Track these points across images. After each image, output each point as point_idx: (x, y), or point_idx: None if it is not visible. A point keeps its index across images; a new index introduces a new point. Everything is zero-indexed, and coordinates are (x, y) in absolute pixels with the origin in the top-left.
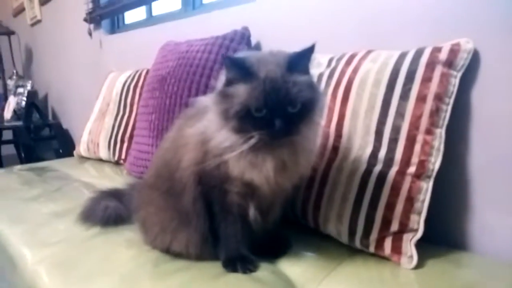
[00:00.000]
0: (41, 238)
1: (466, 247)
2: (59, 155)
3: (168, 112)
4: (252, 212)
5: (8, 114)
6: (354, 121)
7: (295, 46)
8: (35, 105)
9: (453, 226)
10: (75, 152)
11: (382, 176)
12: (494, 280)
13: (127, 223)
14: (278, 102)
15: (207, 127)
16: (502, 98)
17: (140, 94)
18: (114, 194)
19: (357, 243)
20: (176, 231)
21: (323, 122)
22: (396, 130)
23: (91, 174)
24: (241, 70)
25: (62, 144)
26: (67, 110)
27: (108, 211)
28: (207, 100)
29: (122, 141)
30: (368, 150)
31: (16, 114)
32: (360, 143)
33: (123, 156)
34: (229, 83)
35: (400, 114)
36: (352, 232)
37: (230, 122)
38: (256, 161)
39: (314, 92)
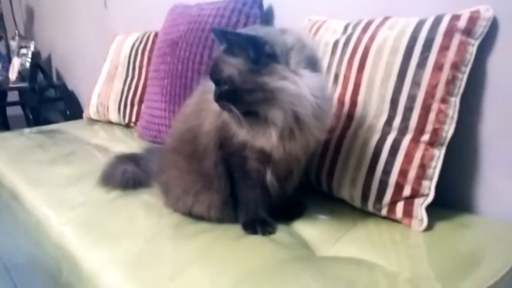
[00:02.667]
0: (64, 201)
1: (473, 210)
2: (66, 117)
3: (181, 78)
4: (269, 177)
5: (13, 75)
6: (370, 90)
7: (308, 9)
8: (40, 66)
9: (462, 190)
10: (84, 115)
11: (396, 144)
12: (499, 241)
13: (144, 187)
14: (214, 76)
15: None
16: None
17: (149, 58)
18: (131, 159)
19: (370, 207)
20: (198, 193)
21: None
22: (411, 99)
23: (102, 136)
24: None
25: (69, 105)
26: (71, 72)
27: (126, 175)
28: None
29: (132, 105)
30: (383, 118)
31: (21, 75)
32: (375, 111)
33: (133, 119)
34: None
35: (416, 83)
36: (365, 197)
37: None
38: (260, 130)
39: (245, 74)
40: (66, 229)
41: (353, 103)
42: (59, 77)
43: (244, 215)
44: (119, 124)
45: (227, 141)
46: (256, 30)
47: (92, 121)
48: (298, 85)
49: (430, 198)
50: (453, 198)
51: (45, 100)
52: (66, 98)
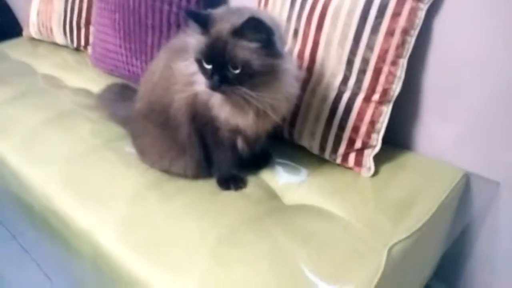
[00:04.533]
0: (39, 155)
1: (412, 148)
2: None
3: (134, 14)
4: (240, 144)
5: None
6: (328, 49)
7: None
8: None
9: (404, 131)
10: (24, 33)
11: (351, 102)
12: (432, 181)
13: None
14: (218, 60)
15: (192, 68)
16: (462, 28)
17: None
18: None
19: (326, 156)
20: (173, 159)
21: (296, 71)
22: (365, 62)
23: (52, 63)
24: (199, 24)
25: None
26: None
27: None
28: (189, 39)
29: (79, 27)
30: (339, 77)
31: None
32: (333, 70)
33: (82, 43)
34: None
35: (369, 47)
36: (322, 148)
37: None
38: (237, 110)
39: (262, 57)
40: (50, 187)
41: (312, 60)
42: None
43: (218, 173)
44: (66, 47)
45: (199, 114)
46: (253, 12)
47: (35, 41)
48: (296, 69)
49: (377, 149)
50: (396, 137)
51: None
52: None
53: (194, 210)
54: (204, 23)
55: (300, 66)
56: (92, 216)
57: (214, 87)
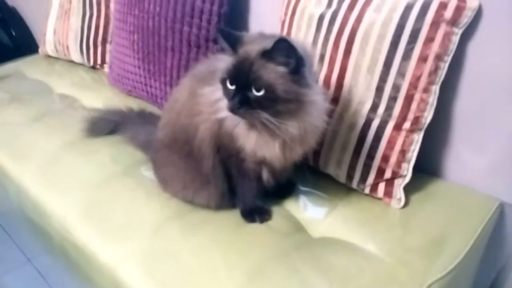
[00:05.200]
0: (58, 181)
1: (442, 176)
2: (13, 39)
3: (153, 35)
4: (265, 175)
5: None
6: (356, 75)
7: None
8: None
9: (434, 158)
10: (40, 51)
11: (380, 131)
12: (464, 212)
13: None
14: (242, 80)
15: (217, 94)
16: (497, 53)
17: None
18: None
19: (354, 185)
20: (197, 189)
21: (325, 103)
22: (396, 89)
23: (69, 82)
24: (229, 43)
25: (14, 25)
26: None
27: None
28: (216, 63)
29: (96, 45)
30: (368, 104)
31: None
32: (361, 97)
33: (99, 61)
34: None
35: (401, 74)
36: (350, 177)
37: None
38: (263, 140)
39: (288, 83)
40: (69, 216)
41: (339, 85)
42: None
43: (242, 205)
44: (83, 65)
45: (224, 146)
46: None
47: (51, 59)
48: (325, 101)
49: (407, 178)
50: (425, 164)
51: None
52: (9, 17)
53: (219, 244)
54: (234, 43)
55: (326, 93)
56: (114, 250)
57: (233, 109)
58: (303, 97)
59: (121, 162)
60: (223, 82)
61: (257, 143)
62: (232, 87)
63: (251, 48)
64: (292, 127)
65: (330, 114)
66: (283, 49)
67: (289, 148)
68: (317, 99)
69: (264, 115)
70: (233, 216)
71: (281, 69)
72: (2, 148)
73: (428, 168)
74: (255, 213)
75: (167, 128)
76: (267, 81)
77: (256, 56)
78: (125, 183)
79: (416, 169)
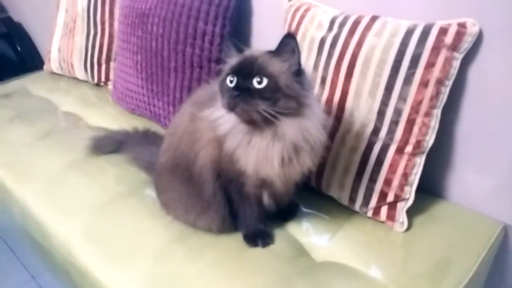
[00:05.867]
0: (62, 203)
1: (444, 196)
2: (18, 53)
3: (156, 56)
4: (266, 199)
5: None
6: (357, 99)
7: None
8: None
9: (436, 179)
10: (45, 68)
11: (382, 154)
12: (468, 235)
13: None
14: (246, 70)
15: (217, 113)
16: (498, 76)
17: (111, 11)
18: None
19: (356, 208)
20: (198, 214)
21: (323, 115)
22: (397, 113)
23: (74, 100)
24: (236, 48)
25: (19, 40)
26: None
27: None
28: (216, 87)
29: (100, 64)
30: (370, 128)
31: None
32: (363, 120)
33: (103, 79)
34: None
35: (402, 98)
36: (352, 200)
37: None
38: (262, 155)
39: (290, 79)
40: (73, 239)
41: (341, 108)
42: (1, 9)
43: (244, 229)
44: (87, 82)
45: (225, 171)
46: None
47: (55, 75)
48: (323, 112)
49: (410, 202)
50: (428, 185)
51: None
52: (14, 32)
53: (223, 269)
54: (241, 49)
55: (328, 113)
56: (117, 274)
57: (230, 102)
58: (302, 98)
59: (125, 183)
60: (223, 80)
61: (257, 161)
62: (234, 80)
63: (257, 50)
64: (290, 126)
65: (329, 130)
66: (289, 44)
67: (288, 164)
68: (316, 104)
69: (263, 106)
70: (236, 240)
71: (285, 65)
72: (6, 167)
73: (431, 189)
74: (258, 237)
75: (169, 153)
76: (271, 72)
77: (262, 53)
78: (129, 204)
79: (419, 189)
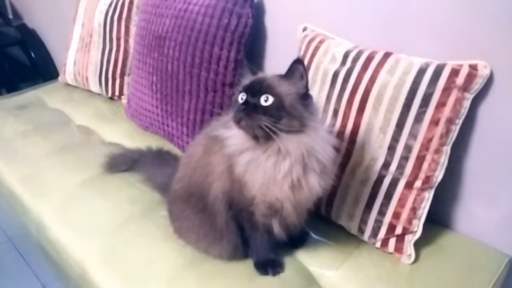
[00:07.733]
0: (77, 222)
1: (451, 227)
2: (32, 60)
3: (172, 78)
4: (276, 228)
5: None
6: (369, 133)
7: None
8: None
9: (443, 211)
10: (60, 79)
11: (392, 188)
12: (479, 269)
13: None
14: (255, 88)
15: (228, 137)
16: (508, 115)
17: (126, 28)
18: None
19: (365, 238)
20: (210, 243)
21: (329, 135)
22: (408, 149)
23: (89, 114)
24: (251, 72)
25: (33, 47)
26: (29, 10)
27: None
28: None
29: (114, 78)
30: (380, 161)
31: None
32: (373, 153)
33: (116, 93)
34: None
35: (413, 135)
36: (361, 230)
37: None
38: (269, 175)
39: (296, 100)
40: (88, 259)
41: (352, 141)
42: (16, 16)
43: (255, 257)
44: (100, 95)
45: (235, 200)
46: None
47: (70, 87)
48: (330, 135)
49: (418, 234)
50: (435, 216)
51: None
52: (29, 39)
53: None
54: (255, 72)
55: (339, 145)
56: None
57: (237, 115)
58: (305, 120)
59: (139, 203)
60: (236, 96)
61: (263, 181)
62: (243, 99)
63: (269, 73)
64: (290, 142)
65: (340, 150)
66: (297, 69)
67: (297, 187)
68: (319, 126)
69: (266, 122)
70: (247, 267)
71: (293, 88)
72: (23, 182)
73: (438, 220)
74: (268, 265)
75: (183, 182)
76: (278, 91)
77: (272, 76)
78: (142, 226)
79: (427, 220)
